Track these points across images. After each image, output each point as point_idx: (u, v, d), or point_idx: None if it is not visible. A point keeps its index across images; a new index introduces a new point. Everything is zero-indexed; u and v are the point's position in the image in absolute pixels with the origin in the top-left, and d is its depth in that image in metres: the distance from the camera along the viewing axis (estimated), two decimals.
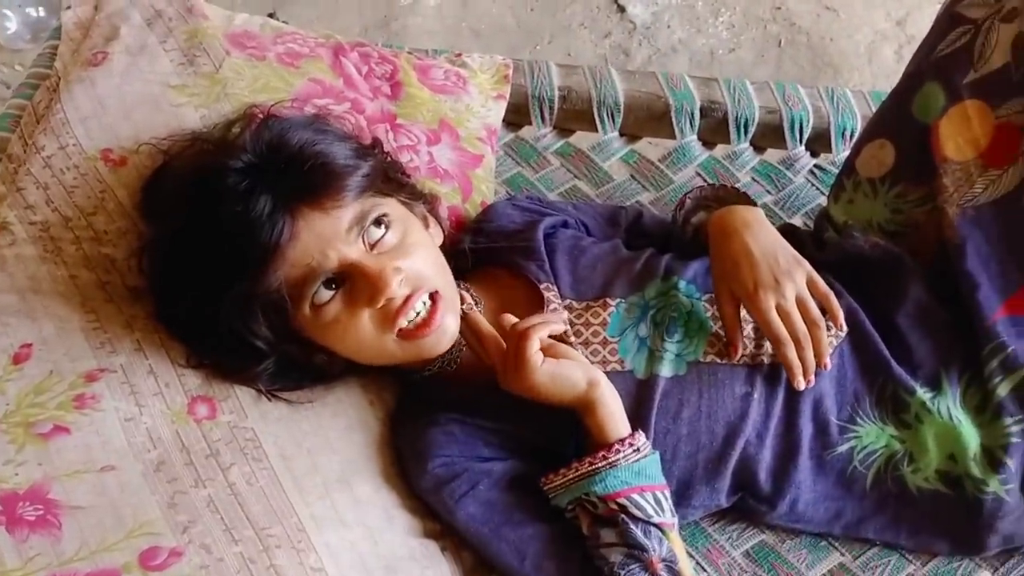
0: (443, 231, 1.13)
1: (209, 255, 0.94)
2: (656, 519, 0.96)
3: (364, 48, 1.33)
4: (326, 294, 0.96)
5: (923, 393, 1.05)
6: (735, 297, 1.05)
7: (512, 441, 1.04)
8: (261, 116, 1.06)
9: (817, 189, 1.42)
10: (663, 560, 0.95)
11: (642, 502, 0.96)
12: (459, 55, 1.42)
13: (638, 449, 0.98)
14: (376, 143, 1.13)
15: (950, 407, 1.05)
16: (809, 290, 1.05)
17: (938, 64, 1.12)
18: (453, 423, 1.02)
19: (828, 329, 1.05)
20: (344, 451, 1.01)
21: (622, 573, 0.95)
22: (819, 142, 1.47)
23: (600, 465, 0.96)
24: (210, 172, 0.96)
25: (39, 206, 1.08)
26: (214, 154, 0.99)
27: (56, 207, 1.08)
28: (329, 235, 0.95)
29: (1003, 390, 1.05)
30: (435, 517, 1.03)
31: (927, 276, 1.13)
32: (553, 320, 0.99)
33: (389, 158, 1.13)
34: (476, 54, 1.43)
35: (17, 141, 1.17)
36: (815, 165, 1.45)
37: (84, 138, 1.13)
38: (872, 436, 1.06)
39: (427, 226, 1.08)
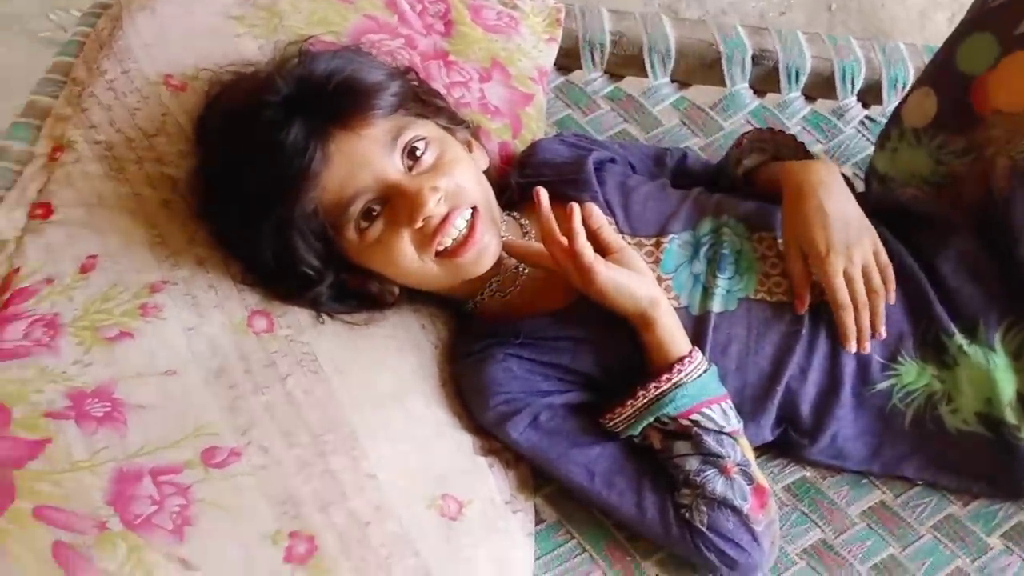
0: (488, 157, 1.14)
1: (248, 186, 0.97)
2: (727, 428, 0.99)
3: None
4: (369, 217, 0.98)
5: (960, 336, 1.05)
6: (803, 254, 1.06)
7: (569, 375, 1.05)
8: (297, 54, 1.08)
9: (867, 140, 1.42)
10: (737, 465, 0.98)
11: (712, 414, 0.99)
12: None
13: (698, 365, 1.00)
14: (409, 69, 1.14)
15: (987, 352, 1.05)
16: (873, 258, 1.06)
17: (990, 14, 1.11)
18: (511, 359, 1.04)
19: None
20: (397, 369, 1.03)
21: (698, 479, 0.97)
22: (870, 93, 1.46)
23: (667, 387, 0.98)
24: (246, 108, 0.99)
25: (102, 126, 1.11)
26: (253, 91, 1.01)
27: (119, 128, 1.11)
28: (361, 156, 0.97)
29: None
30: (485, 435, 1.05)
31: (973, 225, 1.12)
32: (591, 215, 1.01)
33: (423, 85, 1.14)
34: None
35: (81, 65, 1.20)
36: (866, 116, 1.45)
37: (146, 63, 1.15)
38: (912, 375, 1.06)
39: (470, 150, 1.09)
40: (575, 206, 0.98)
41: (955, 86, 1.12)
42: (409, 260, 0.99)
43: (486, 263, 1.03)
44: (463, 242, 1.00)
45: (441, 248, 0.99)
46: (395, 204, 0.98)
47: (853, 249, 1.05)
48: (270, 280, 1.02)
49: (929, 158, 1.14)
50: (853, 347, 1.05)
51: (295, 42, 1.11)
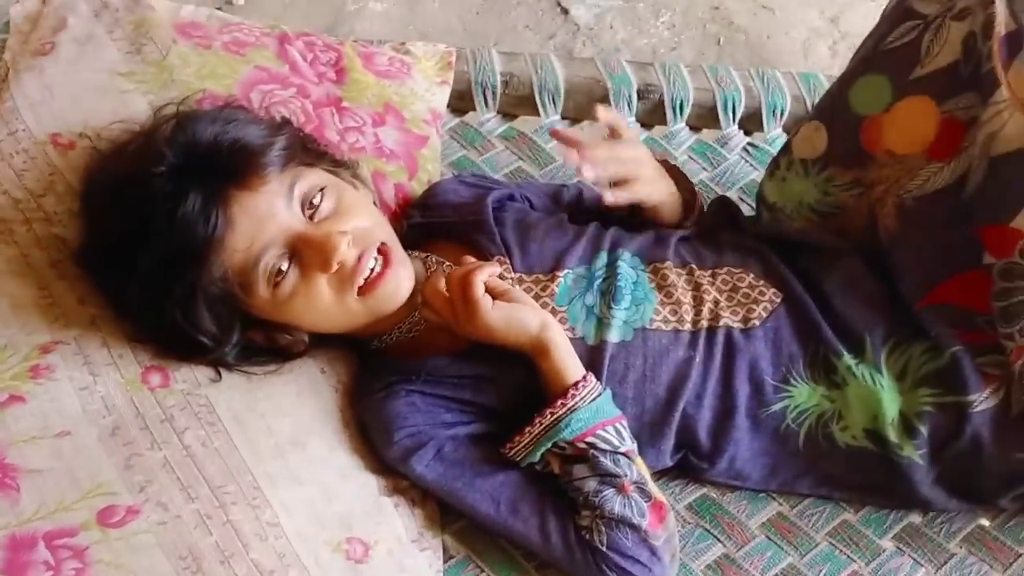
0: (372, 192, 1.16)
1: (148, 261, 0.97)
2: (622, 448, 1.02)
3: (309, 37, 1.36)
4: (280, 272, 0.99)
5: (849, 357, 1.09)
6: None
7: (471, 407, 1.07)
8: (172, 117, 1.07)
9: (751, 165, 1.47)
10: (634, 483, 1.01)
11: (607, 435, 1.01)
12: (403, 43, 1.46)
13: (592, 389, 1.03)
14: (286, 121, 1.15)
15: (872, 372, 1.09)
16: None
17: (884, 56, 1.11)
18: (414, 394, 1.06)
19: (762, 295, 1.12)
20: (297, 414, 1.04)
21: (596, 500, 1.00)
22: (752, 121, 1.52)
23: (562, 413, 1.01)
24: (134, 182, 0.99)
25: None
26: (138, 162, 1.01)
27: (6, 190, 1.10)
28: (264, 211, 0.98)
29: (923, 369, 1.09)
30: (389, 475, 1.06)
31: (858, 249, 1.16)
32: (488, 266, 1.04)
33: (302, 132, 1.15)
34: (420, 43, 1.47)
35: None
36: (748, 143, 1.50)
37: (34, 124, 1.15)
38: (804, 395, 1.10)
39: (356, 189, 1.11)
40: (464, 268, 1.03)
41: (846, 124, 1.14)
42: (331, 303, 1.01)
43: (404, 292, 1.05)
44: (380, 274, 1.02)
45: (357, 286, 1.01)
46: (305, 254, 0.99)
47: None
48: (171, 346, 1.02)
49: (816, 188, 1.17)
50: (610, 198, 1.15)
51: (168, 104, 1.11)
